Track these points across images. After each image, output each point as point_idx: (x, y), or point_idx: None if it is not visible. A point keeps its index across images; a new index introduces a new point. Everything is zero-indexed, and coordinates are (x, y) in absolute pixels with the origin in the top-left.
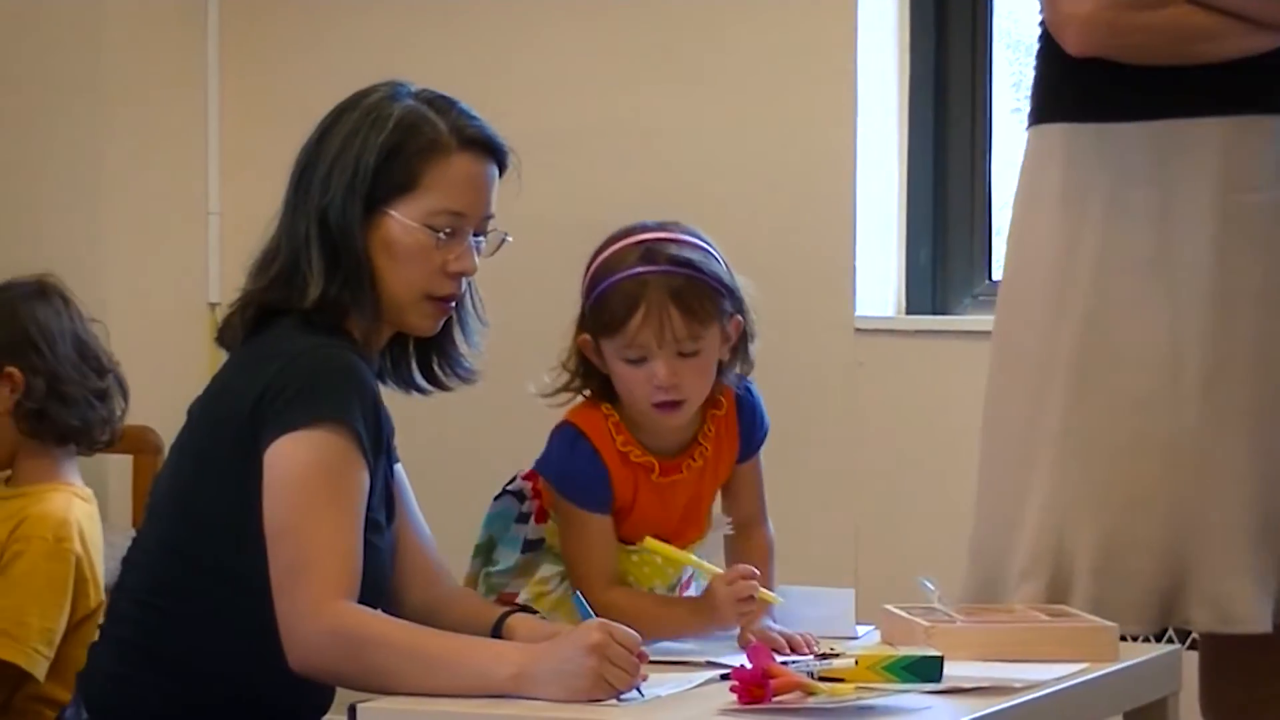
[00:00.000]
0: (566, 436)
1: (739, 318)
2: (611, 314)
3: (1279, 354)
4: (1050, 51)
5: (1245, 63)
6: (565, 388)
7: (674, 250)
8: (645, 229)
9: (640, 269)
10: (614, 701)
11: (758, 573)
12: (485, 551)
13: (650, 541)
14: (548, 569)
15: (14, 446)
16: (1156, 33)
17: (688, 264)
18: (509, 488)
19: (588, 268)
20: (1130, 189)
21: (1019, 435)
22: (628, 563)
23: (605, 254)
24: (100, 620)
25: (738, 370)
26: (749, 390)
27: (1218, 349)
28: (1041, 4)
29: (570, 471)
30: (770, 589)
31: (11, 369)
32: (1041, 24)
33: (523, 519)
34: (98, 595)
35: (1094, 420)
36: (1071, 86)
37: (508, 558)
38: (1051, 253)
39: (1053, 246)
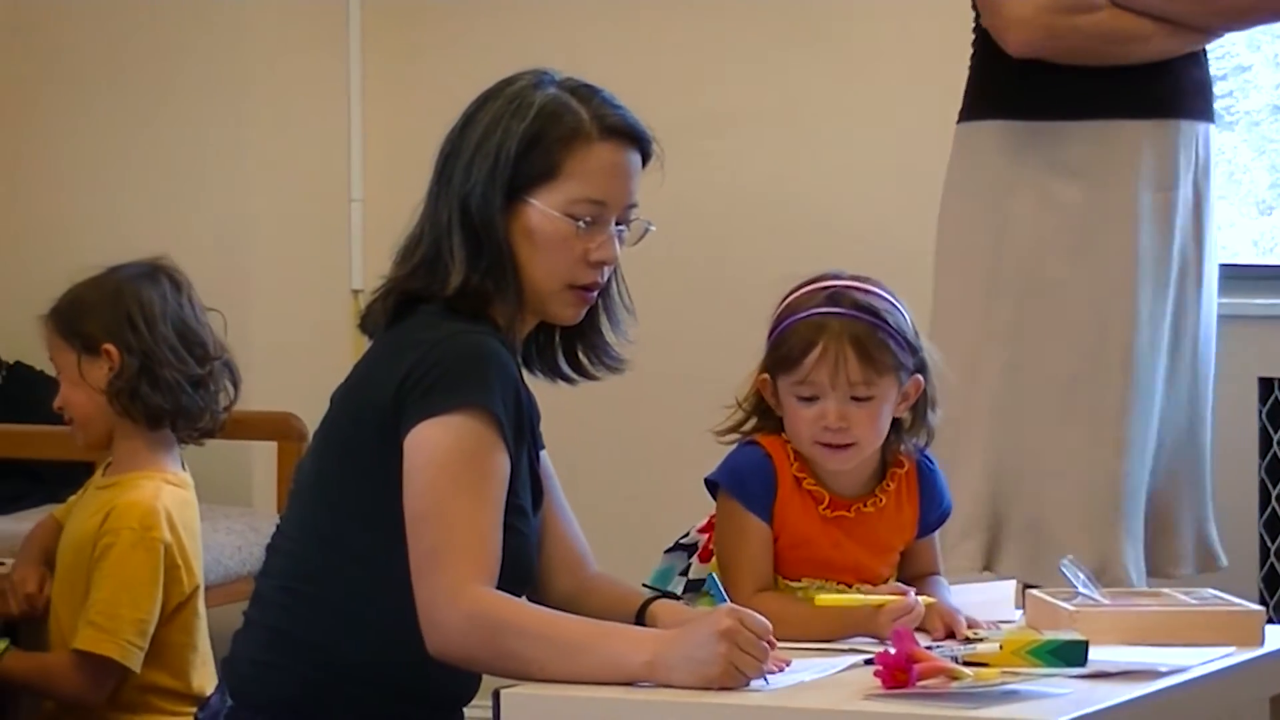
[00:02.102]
0: (745, 444)
1: (920, 379)
2: (789, 350)
3: (1194, 333)
4: (987, 52)
5: (1162, 71)
6: (738, 426)
7: (859, 297)
8: (837, 277)
9: (823, 309)
10: (762, 683)
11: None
12: None
13: (820, 599)
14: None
15: (110, 427)
16: (1089, 35)
17: (871, 311)
18: (682, 540)
19: (776, 310)
20: (1058, 182)
21: (953, 408)
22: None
23: (792, 296)
24: (197, 606)
25: (918, 439)
26: (932, 466)
27: (1138, 332)
28: (981, 8)
29: (738, 466)
30: None
31: (109, 346)
32: (977, 27)
33: (686, 572)
34: (191, 581)
35: (1026, 394)
36: (1007, 86)
37: None
38: (985, 240)
39: (987, 235)
